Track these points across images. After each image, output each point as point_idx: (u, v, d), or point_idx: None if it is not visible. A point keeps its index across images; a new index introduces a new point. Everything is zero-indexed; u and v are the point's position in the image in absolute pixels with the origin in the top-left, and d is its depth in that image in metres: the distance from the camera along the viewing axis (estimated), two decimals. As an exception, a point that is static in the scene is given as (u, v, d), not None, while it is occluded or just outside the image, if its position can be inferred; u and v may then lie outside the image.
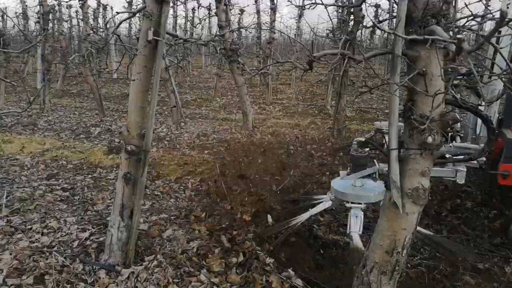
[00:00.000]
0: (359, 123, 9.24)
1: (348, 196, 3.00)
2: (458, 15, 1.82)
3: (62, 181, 4.78)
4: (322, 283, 2.78)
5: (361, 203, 2.97)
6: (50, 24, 9.76)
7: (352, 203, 2.99)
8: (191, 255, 2.85)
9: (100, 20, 17.73)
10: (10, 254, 2.81)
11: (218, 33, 6.82)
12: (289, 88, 16.65)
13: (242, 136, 7.27)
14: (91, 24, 10.15)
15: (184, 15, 18.61)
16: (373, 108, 11.67)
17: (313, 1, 2.17)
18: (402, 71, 1.80)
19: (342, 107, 6.95)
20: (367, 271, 2.10)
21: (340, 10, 12.95)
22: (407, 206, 1.94)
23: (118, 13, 5.10)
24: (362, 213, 2.98)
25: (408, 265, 3.05)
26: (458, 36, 1.54)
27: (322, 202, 3.33)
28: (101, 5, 16.04)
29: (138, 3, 16.44)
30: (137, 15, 3.80)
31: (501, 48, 1.52)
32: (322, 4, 2.21)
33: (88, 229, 3.28)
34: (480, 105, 3.05)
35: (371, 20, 3.45)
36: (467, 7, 1.71)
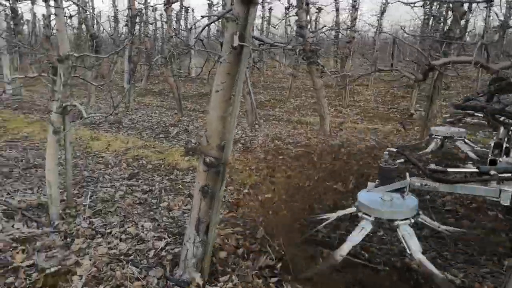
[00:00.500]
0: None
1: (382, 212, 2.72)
2: None
3: (141, 182, 4.87)
4: None
5: (408, 218, 2.71)
6: (137, 27, 10.28)
7: (403, 219, 2.72)
8: (269, 281, 2.61)
9: (182, 22, 18.49)
10: (90, 259, 2.82)
11: (296, 33, 6.51)
12: (366, 89, 15.78)
13: (318, 141, 6.90)
14: (173, 27, 10.51)
15: (261, 15, 18.60)
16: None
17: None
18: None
19: (433, 114, 6.23)
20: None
21: (429, 6, 11.87)
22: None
23: (203, 17, 5.08)
24: (412, 229, 2.70)
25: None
26: None
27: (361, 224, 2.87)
28: (183, 7, 16.67)
29: (218, 4, 16.77)
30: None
31: None
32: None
33: (164, 238, 3.21)
34: None
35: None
36: None
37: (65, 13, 3.32)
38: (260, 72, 19.11)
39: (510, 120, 3.79)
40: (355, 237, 2.71)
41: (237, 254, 2.95)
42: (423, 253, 2.58)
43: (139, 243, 3.13)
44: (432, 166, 2.86)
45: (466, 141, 5.28)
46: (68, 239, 3.18)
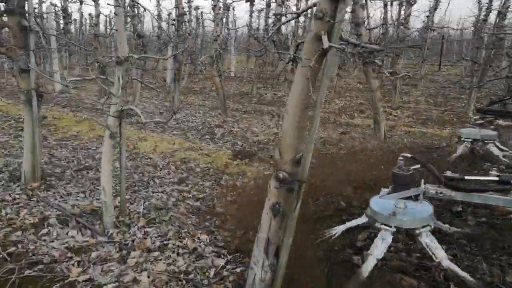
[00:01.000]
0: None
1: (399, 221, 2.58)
2: None
3: (191, 187, 4.69)
4: None
5: (430, 225, 2.61)
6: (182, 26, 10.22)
7: (423, 227, 2.59)
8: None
9: (223, 20, 18.36)
10: (148, 277, 2.63)
11: (352, 31, 6.11)
12: (415, 89, 14.97)
13: (373, 147, 6.46)
14: (223, 25, 10.33)
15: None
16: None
17: None
18: None
19: None
20: None
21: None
22: None
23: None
24: (433, 236, 2.58)
25: None
26: None
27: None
28: (229, 7, 16.54)
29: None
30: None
31: None
32: None
33: (223, 254, 2.98)
34: None
35: None
36: None
37: (125, 12, 3.20)
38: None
39: None
40: (377, 251, 2.52)
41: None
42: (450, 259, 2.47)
43: (197, 259, 2.91)
44: (449, 173, 2.76)
45: (497, 144, 4.89)
46: (123, 251, 3.02)
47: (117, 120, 3.33)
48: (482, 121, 5.10)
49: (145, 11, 9.26)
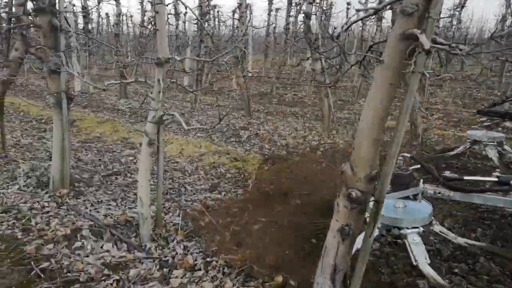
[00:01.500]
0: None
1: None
2: None
3: (224, 195, 4.45)
4: None
5: (417, 227, 2.55)
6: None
7: (406, 228, 2.56)
8: None
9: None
10: (196, 301, 2.39)
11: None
12: (440, 89, 14.49)
13: (408, 151, 6.12)
14: (246, 24, 10.08)
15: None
16: None
17: None
18: None
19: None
20: None
21: None
22: None
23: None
24: (420, 238, 2.54)
25: None
26: None
27: None
28: (247, 5, 16.29)
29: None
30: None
31: None
32: None
33: (273, 274, 2.71)
34: None
35: None
36: None
37: (168, 11, 2.97)
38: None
39: None
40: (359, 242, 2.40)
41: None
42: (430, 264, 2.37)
43: (247, 280, 2.66)
44: (447, 173, 2.75)
45: (505, 146, 4.84)
46: (164, 269, 2.79)
47: (156, 127, 3.10)
48: (489, 123, 4.96)
49: (186, 8, 9.00)
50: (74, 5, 12.64)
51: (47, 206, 3.78)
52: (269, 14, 18.57)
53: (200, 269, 2.78)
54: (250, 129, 7.85)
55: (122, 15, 10.71)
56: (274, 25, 20.57)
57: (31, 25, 3.84)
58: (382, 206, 1.95)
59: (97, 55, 22.47)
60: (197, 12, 8.36)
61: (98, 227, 3.35)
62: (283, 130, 7.78)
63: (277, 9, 21.42)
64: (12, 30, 4.49)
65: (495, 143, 4.78)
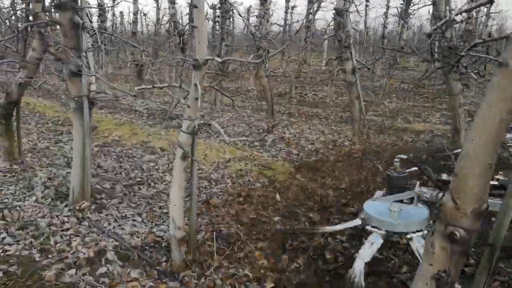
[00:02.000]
0: None
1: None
2: None
3: (256, 207, 4.06)
4: None
5: (422, 230, 2.54)
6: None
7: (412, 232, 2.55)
8: None
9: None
10: None
11: (436, 26, 5.30)
12: (468, 90, 13.85)
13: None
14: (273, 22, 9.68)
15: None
16: None
17: None
18: None
19: None
20: None
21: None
22: None
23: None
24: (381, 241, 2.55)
25: None
26: None
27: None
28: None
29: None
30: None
31: None
32: None
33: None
34: None
35: None
36: None
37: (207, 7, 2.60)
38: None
39: None
40: (366, 255, 2.47)
41: None
42: None
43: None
44: (444, 176, 2.70)
45: None
46: (203, 304, 2.41)
47: (191, 138, 2.72)
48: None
49: (231, 7, 8.60)
50: (88, 3, 12.35)
51: (67, 222, 3.45)
52: (286, 12, 18.11)
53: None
54: (274, 132, 7.44)
55: (139, 13, 10.41)
56: (293, 22, 20.09)
57: (51, 22, 3.50)
58: (497, 251, 1.54)
59: (110, 54, 22.30)
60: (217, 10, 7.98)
61: (124, 249, 2.99)
62: (310, 133, 7.36)
63: (293, 7, 20.98)
64: (29, 29, 4.16)
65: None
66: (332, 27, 6.71)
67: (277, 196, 4.34)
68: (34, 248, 3.02)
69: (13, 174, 4.57)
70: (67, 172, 4.72)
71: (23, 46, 4.39)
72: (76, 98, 3.55)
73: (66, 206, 3.72)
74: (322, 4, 15.87)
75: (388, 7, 14.62)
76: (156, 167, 5.37)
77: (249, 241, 3.18)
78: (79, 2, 3.39)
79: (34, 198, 3.88)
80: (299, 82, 15.66)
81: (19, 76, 4.33)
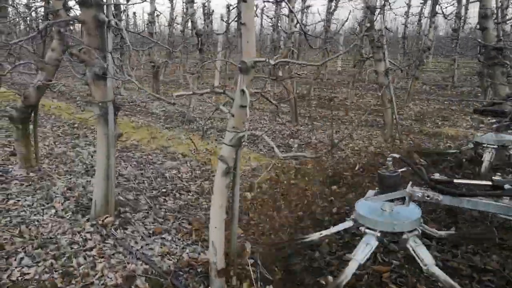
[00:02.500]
0: None
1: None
2: None
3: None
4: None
5: (416, 230, 2.48)
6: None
7: (410, 231, 2.46)
8: None
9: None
10: None
11: (478, 25, 4.90)
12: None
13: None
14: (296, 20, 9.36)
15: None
16: None
17: None
18: None
19: None
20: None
21: None
22: None
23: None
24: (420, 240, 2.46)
25: None
26: None
27: None
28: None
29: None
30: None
31: None
32: None
33: None
34: None
35: None
36: None
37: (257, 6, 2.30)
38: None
39: None
40: (360, 256, 2.42)
41: None
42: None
43: None
44: (436, 175, 2.68)
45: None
46: None
47: (234, 151, 2.38)
48: (499, 125, 4.74)
49: (277, 4, 8.25)
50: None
51: (90, 239, 3.14)
52: (302, 11, 17.70)
53: None
54: (299, 137, 7.08)
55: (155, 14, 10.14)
56: (317, 22, 19.58)
57: (74, 20, 3.20)
58: None
59: (123, 55, 22.16)
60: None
61: (155, 275, 2.66)
62: (337, 139, 6.97)
63: (307, 7, 20.55)
64: (48, 28, 3.87)
65: (496, 146, 4.57)
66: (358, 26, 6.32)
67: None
68: (56, 271, 2.72)
69: (30, 183, 4.29)
70: (87, 181, 4.44)
71: (42, 47, 4.11)
72: (100, 104, 3.24)
73: (88, 220, 3.42)
74: (339, 4, 15.42)
75: (409, 6, 14.09)
76: (179, 175, 5.06)
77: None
78: (104, -2, 3.09)
79: (53, 211, 3.59)
80: (316, 84, 15.27)
81: (37, 78, 4.05)
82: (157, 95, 2.57)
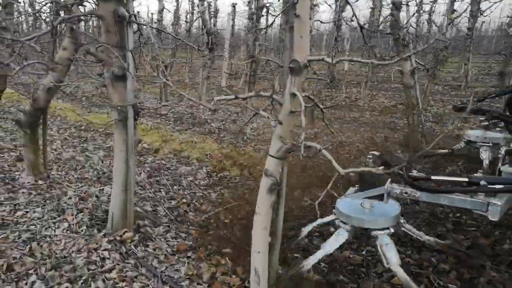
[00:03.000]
0: None
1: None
2: None
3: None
4: None
5: (388, 228, 2.48)
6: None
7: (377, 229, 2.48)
8: None
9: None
10: None
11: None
12: None
13: None
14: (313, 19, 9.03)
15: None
16: None
17: None
18: None
19: None
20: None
21: None
22: None
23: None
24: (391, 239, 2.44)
25: None
26: None
27: None
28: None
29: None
30: None
31: None
32: None
33: None
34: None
35: None
36: None
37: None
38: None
39: None
40: (328, 246, 2.52)
41: None
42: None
43: None
44: (414, 172, 2.79)
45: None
46: None
47: (281, 164, 2.07)
48: (487, 123, 4.78)
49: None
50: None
51: (108, 258, 2.83)
52: (311, 8, 17.37)
53: None
54: (318, 141, 6.76)
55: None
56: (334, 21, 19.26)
57: (91, 15, 2.89)
58: None
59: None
60: (252, 6, 7.33)
61: (185, 302, 2.35)
62: (361, 142, 6.64)
63: (314, 5, 20.23)
64: (60, 25, 3.56)
65: (491, 144, 4.57)
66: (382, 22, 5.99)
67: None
68: (72, 297, 2.41)
69: (39, 191, 3.99)
70: (100, 190, 4.14)
71: (52, 46, 3.80)
72: (119, 108, 2.93)
73: (104, 236, 3.10)
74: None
75: (435, 0, 13.65)
76: (196, 182, 4.75)
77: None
78: (125, -10, 2.77)
79: (66, 224, 3.28)
80: (325, 84, 14.94)
81: (47, 79, 3.74)
82: (197, 100, 2.25)
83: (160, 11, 9.45)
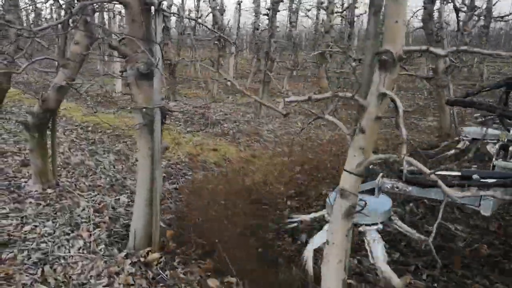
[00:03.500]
0: None
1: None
2: None
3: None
4: None
5: (377, 223, 2.47)
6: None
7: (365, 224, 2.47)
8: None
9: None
10: None
11: None
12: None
13: None
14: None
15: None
16: None
17: None
18: None
19: None
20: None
21: None
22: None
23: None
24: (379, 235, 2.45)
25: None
26: None
27: None
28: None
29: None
30: None
31: None
32: None
33: None
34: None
35: None
36: None
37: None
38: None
39: None
40: (317, 240, 2.52)
41: None
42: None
43: None
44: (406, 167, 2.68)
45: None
46: None
47: (359, 181, 1.67)
48: (483, 119, 4.76)
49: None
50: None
51: (133, 285, 2.43)
52: (318, 8, 17.01)
53: None
54: (341, 143, 6.36)
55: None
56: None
57: (113, 2, 2.50)
58: None
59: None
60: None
61: None
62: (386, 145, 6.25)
63: (321, 3, 19.85)
64: (73, 18, 3.15)
65: (495, 140, 4.48)
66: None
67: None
68: (95, 337, 2.01)
69: (48, 201, 3.60)
70: (116, 199, 3.75)
71: (63, 41, 3.40)
72: (144, 110, 2.54)
73: (126, 256, 2.71)
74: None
75: None
76: (217, 190, 4.35)
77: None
78: (154, -27, 2.38)
79: (81, 242, 2.89)
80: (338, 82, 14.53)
81: (58, 77, 3.34)
82: (266, 102, 1.87)
83: (169, 7, 9.05)
